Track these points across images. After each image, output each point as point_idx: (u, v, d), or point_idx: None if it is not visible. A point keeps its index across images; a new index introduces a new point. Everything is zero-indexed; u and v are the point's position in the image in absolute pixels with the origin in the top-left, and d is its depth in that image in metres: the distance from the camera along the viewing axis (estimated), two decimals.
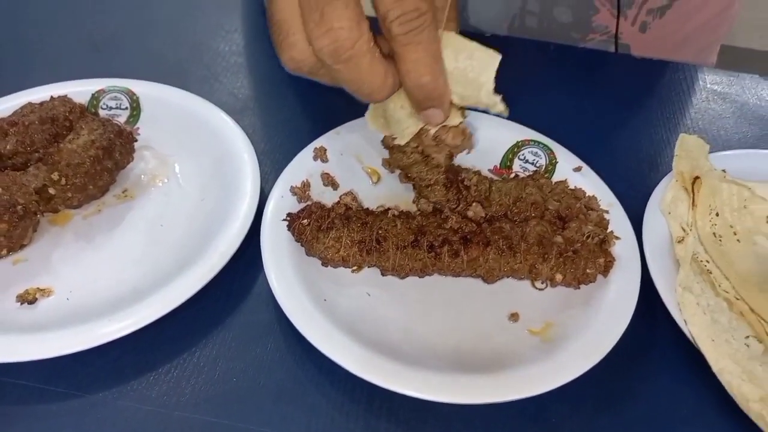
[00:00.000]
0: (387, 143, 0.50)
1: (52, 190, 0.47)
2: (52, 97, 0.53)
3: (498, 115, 0.45)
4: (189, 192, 0.51)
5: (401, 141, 0.47)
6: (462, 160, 0.52)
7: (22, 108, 0.51)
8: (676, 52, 0.83)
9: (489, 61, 0.41)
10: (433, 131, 0.45)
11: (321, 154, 0.52)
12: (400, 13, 0.34)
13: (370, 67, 0.36)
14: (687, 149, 0.52)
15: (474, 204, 0.48)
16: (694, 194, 0.51)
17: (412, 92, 0.39)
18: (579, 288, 0.46)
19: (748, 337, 0.44)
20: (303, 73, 0.38)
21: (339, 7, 0.33)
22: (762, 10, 2.34)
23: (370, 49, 0.35)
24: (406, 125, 0.45)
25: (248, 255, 0.47)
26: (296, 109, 0.60)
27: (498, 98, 0.42)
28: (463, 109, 0.45)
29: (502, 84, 0.67)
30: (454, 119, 0.45)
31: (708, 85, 0.67)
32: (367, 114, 0.48)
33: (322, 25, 0.34)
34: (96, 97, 0.56)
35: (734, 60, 2.17)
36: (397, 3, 0.34)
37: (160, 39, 0.67)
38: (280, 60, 0.38)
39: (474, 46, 0.40)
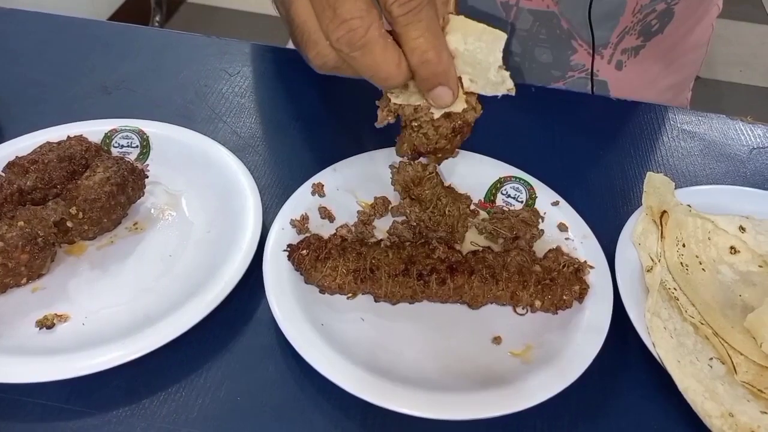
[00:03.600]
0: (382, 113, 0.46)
1: (69, 224, 0.50)
2: (68, 136, 0.57)
3: (505, 95, 0.43)
4: (195, 225, 0.55)
5: (398, 100, 0.44)
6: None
7: (41, 147, 0.55)
8: (652, 88, 0.88)
9: (496, 40, 0.40)
10: (437, 114, 0.43)
11: (319, 190, 0.56)
12: None
13: (383, 52, 0.38)
14: (654, 186, 0.56)
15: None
16: (662, 227, 0.55)
17: (418, 70, 0.39)
18: (556, 313, 0.50)
19: (711, 358, 0.48)
20: (328, 69, 0.40)
21: (348, 1, 0.36)
22: (741, 45, 2.44)
23: (382, 34, 0.38)
24: (415, 98, 0.43)
25: (251, 283, 0.50)
26: (295, 146, 0.65)
27: (507, 74, 0.42)
28: (471, 96, 0.44)
29: (487, 123, 0.72)
30: (459, 105, 0.43)
31: (678, 124, 0.72)
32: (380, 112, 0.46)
33: (335, 19, 0.37)
34: (108, 136, 0.60)
35: (715, 92, 2.26)
36: None
37: (168, 82, 0.71)
38: (306, 59, 0.40)
39: (482, 27, 0.40)
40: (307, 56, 0.40)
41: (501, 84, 0.42)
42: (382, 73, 0.39)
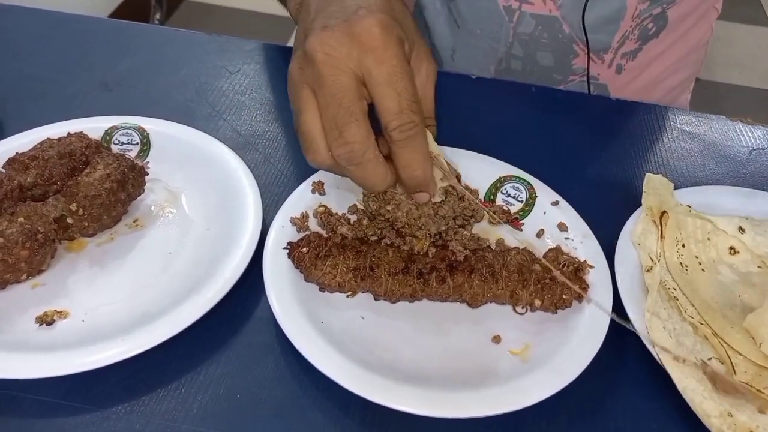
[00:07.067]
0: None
1: (69, 220, 0.50)
2: (69, 133, 0.57)
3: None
4: (195, 222, 0.55)
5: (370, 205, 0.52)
6: None
7: (42, 143, 0.55)
8: (651, 91, 0.88)
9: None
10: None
11: (319, 188, 0.56)
12: (399, 124, 0.44)
13: (374, 169, 0.46)
14: (653, 187, 0.57)
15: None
16: (662, 227, 0.55)
17: (406, 182, 0.48)
18: (556, 312, 0.50)
19: (710, 358, 0.48)
20: (321, 168, 0.48)
21: (353, 128, 0.44)
22: (740, 47, 2.44)
23: (375, 155, 0.45)
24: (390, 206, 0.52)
25: (251, 281, 0.50)
26: (295, 144, 0.64)
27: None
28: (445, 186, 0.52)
29: (488, 122, 0.72)
30: (437, 198, 0.52)
31: (678, 125, 0.72)
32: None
33: (340, 140, 0.44)
34: (109, 133, 0.60)
35: (714, 94, 2.26)
36: (397, 116, 0.44)
37: (168, 80, 0.71)
38: (303, 153, 0.48)
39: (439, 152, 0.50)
40: (306, 156, 0.47)
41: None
42: (370, 184, 0.47)
